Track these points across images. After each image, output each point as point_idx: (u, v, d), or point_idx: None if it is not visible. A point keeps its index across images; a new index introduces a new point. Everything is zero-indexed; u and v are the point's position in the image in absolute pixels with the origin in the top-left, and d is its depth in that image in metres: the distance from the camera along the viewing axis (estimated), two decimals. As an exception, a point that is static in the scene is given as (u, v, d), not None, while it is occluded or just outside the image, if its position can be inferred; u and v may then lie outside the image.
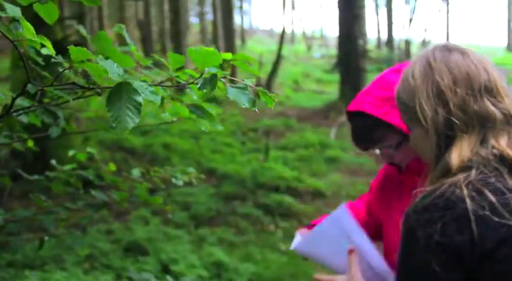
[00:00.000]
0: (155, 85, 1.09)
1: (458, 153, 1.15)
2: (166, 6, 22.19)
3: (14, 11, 1.01)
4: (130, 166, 7.29)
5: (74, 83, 1.09)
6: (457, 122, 1.16)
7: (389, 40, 29.42)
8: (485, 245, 1.03)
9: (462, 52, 1.25)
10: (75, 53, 0.99)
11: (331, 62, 24.49)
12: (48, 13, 1.09)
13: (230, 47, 18.92)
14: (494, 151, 1.14)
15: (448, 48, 1.26)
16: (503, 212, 1.05)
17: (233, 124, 11.00)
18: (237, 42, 23.14)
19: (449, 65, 1.22)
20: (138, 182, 1.86)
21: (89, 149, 1.82)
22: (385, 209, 1.83)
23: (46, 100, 1.33)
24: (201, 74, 1.11)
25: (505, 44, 39.10)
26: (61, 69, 1.06)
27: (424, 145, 1.26)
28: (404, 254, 1.13)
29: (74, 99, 1.17)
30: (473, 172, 1.11)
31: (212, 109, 1.35)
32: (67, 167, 1.83)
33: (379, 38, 32.72)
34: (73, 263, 4.52)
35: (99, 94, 1.13)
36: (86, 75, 1.18)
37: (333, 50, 25.59)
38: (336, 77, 18.19)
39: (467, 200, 1.05)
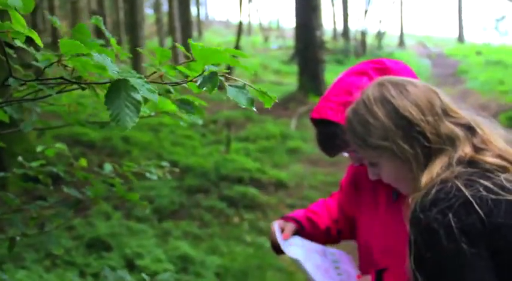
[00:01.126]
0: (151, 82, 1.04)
1: (429, 171, 1.26)
2: (120, -3, 21.79)
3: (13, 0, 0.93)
4: (89, 161, 7.12)
5: (62, 78, 1.03)
6: (434, 147, 1.27)
7: (345, 31, 29.65)
8: (492, 220, 1.13)
9: (411, 83, 1.36)
10: (65, 46, 0.93)
11: (289, 53, 24.54)
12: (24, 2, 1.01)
13: (187, 39, 18.70)
14: (463, 159, 1.24)
15: (395, 83, 1.36)
16: (497, 190, 1.16)
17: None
18: (194, 34, 22.91)
19: (410, 98, 1.31)
20: (110, 178, 1.79)
21: (58, 145, 1.74)
22: (358, 207, 1.83)
23: (17, 95, 1.25)
24: (202, 72, 1.07)
25: (456, 35, 40.12)
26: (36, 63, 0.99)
27: (402, 174, 1.35)
28: (428, 249, 1.15)
29: (57, 93, 1.10)
30: (455, 169, 1.22)
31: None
32: (35, 163, 1.75)
33: (335, 29, 32.94)
34: (33, 261, 4.39)
35: (83, 89, 1.07)
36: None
37: (290, 41, 25.65)
38: (294, 68, 18.25)
39: (463, 188, 1.16)
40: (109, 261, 4.45)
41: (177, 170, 1.94)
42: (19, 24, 0.96)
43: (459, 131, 1.28)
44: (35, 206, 1.64)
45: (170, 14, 19.24)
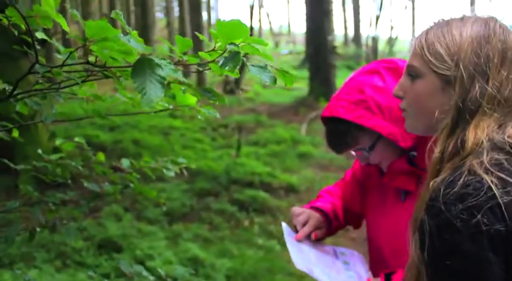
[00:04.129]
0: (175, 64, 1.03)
1: (475, 132, 1.14)
2: (131, 0, 21.91)
3: None
4: (100, 163, 7.13)
5: (88, 62, 1.01)
6: (485, 102, 1.14)
7: (357, 37, 29.66)
8: None
9: None
10: (91, 29, 0.92)
11: (299, 58, 24.57)
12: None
13: (198, 43, 18.78)
14: (509, 139, 1.12)
15: (503, 26, 1.23)
16: None
17: (203, 120, 10.90)
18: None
19: (504, 46, 1.18)
20: (128, 173, 1.78)
21: (77, 139, 1.74)
22: (367, 207, 1.82)
23: (37, 86, 1.24)
24: (224, 50, 1.05)
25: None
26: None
27: (431, 101, 1.23)
28: (446, 247, 1.07)
29: (82, 82, 1.09)
30: (485, 156, 1.10)
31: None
32: (54, 156, 1.74)
33: (346, 35, 32.97)
34: (44, 261, 4.39)
35: (107, 77, 1.05)
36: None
37: (301, 46, 25.68)
38: (304, 73, 18.23)
39: (493, 187, 1.05)
40: (119, 262, 4.44)
41: (193, 166, 1.93)
42: (49, 7, 0.94)
43: None
44: (55, 198, 1.64)
45: (181, 18, 19.30)
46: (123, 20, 1.22)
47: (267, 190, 6.87)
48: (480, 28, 1.21)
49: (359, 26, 30.59)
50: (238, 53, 1.06)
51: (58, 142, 1.72)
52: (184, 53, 1.19)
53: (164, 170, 1.83)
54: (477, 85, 1.15)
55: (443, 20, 1.28)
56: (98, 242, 4.84)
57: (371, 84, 1.59)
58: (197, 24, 19.51)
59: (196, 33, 1.17)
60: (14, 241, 1.43)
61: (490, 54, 1.17)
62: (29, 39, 1.11)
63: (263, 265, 4.83)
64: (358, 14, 30.99)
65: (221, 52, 1.06)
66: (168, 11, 22.92)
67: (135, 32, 1.16)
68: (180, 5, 19.37)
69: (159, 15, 34.39)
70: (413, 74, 1.27)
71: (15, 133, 1.58)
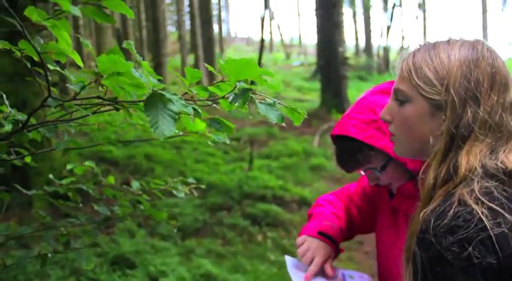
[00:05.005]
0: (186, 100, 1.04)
1: (468, 158, 1.11)
2: (143, 16, 22.11)
3: (75, 10, 0.92)
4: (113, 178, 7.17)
5: (99, 97, 1.03)
6: (477, 127, 1.12)
7: (368, 47, 29.66)
8: (509, 262, 1.02)
9: (502, 58, 1.22)
10: (103, 64, 0.93)
11: (310, 69, 24.59)
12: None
13: (210, 56, 18.88)
14: (501, 165, 1.10)
15: (491, 49, 1.21)
16: None
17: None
18: (216, 51, 23.09)
19: (493, 70, 1.17)
20: (138, 195, 1.80)
21: (87, 163, 1.75)
22: (378, 227, 1.80)
23: (50, 116, 1.26)
24: (234, 87, 1.07)
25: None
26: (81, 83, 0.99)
27: (420, 126, 1.21)
28: (438, 280, 1.05)
29: (93, 114, 1.10)
30: (475, 185, 1.09)
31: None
32: (65, 181, 1.76)
33: (357, 45, 32.98)
34: (58, 278, 4.41)
35: (117, 109, 1.07)
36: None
37: (312, 58, 25.69)
38: (315, 85, 18.25)
39: (484, 219, 1.03)
40: (133, 279, 4.45)
41: (202, 186, 1.94)
42: (66, 43, 0.96)
43: None
44: (66, 223, 1.65)
45: (192, 31, 19.46)
46: (135, 50, 1.24)
47: (279, 204, 6.85)
48: (468, 51, 1.19)
49: (370, 36, 30.61)
50: (247, 90, 1.08)
51: (69, 166, 1.74)
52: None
53: (174, 192, 1.84)
54: (469, 110, 1.13)
55: (429, 42, 1.27)
56: (111, 258, 4.85)
57: (383, 104, 1.58)
58: (208, 37, 19.66)
59: (206, 65, 1.18)
60: (25, 267, 1.43)
61: (480, 78, 1.15)
62: (42, 71, 1.13)
63: (276, 280, 4.81)
64: (369, 24, 31.02)
65: (229, 91, 1.08)
66: (179, 24, 23.08)
67: (145, 63, 1.18)
68: (192, 18, 19.54)
69: (170, 28, 34.67)
70: (401, 98, 1.25)
71: (28, 159, 1.60)
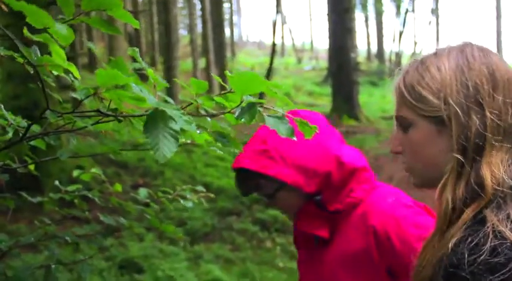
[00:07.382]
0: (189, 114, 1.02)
1: (491, 171, 1.00)
2: (155, 19, 22.19)
3: (62, 29, 0.90)
4: (123, 181, 7.18)
5: (98, 111, 1.01)
6: (489, 134, 1.02)
7: (380, 52, 29.57)
8: None
9: (497, 55, 1.11)
10: (102, 77, 0.91)
11: (322, 74, 24.54)
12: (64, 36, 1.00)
13: (221, 60, 18.90)
14: None
15: (481, 48, 1.12)
16: None
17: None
18: (227, 54, 23.13)
19: (490, 69, 1.07)
20: (145, 204, 1.78)
21: (94, 170, 1.74)
22: (298, 262, 1.81)
23: (55, 124, 1.24)
24: (241, 102, 1.04)
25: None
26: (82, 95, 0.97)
27: (431, 148, 1.10)
28: None
29: (92, 125, 1.09)
30: (510, 209, 0.97)
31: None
32: (71, 187, 1.74)
33: (369, 50, 32.88)
34: (66, 282, 4.40)
35: (119, 121, 1.05)
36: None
37: (323, 62, 25.66)
38: (327, 89, 18.20)
39: None
40: (141, 284, 4.44)
41: (212, 195, 1.92)
42: (59, 57, 0.94)
43: None
44: (71, 233, 1.64)
45: (204, 35, 19.48)
46: (140, 58, 1.22)
47: (289, 209, 6.81)
48: (457, 57, 1.10)
49: (382, 41, 30.52)
50: (254, 104, 1.05)
51: (75, 173, 1.72)
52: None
53: (182, 201, 1.82)
54: (475, 117, 1.03)
55: (416, 60, 1.18)
56: (119, 262, 4.84)
57: (274, 134, 1.59)
58: (220, 41, 19.68)
59: (212, 74, 1.16)
60: (25, 280, 1.43)
61: (478, 81, 1.06)
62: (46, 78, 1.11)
63: (285, 287, 4.79)
64: (381, 29, 30.94)
65: (236, 105, 1.06)
66: (191, 28, 23.15)
67: (151, 71, 1.15)
68: (203, 22, 19.56)
69: (182, 32, 34.78)
70: (404, 124, 1.16)
71: (32, 167, 1.59)
